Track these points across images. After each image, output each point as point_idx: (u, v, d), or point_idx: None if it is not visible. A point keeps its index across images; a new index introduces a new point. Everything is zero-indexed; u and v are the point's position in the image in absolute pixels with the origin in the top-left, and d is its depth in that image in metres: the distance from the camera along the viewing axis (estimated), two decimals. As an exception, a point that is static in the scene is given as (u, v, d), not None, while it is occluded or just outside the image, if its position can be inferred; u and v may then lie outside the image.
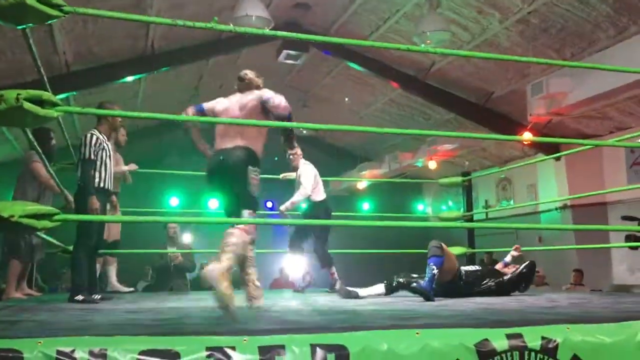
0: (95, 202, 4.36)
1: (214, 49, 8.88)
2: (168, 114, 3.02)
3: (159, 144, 12.87)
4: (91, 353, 1.84)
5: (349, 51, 9.41)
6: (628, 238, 5.42)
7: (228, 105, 3.90)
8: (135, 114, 3.46)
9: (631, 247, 5.67)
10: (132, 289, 6.16)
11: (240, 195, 3.61)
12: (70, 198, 5.08)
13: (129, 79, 8.51)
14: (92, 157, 4.46)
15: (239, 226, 3.34)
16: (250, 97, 3.84)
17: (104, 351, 1.85)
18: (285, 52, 9.00)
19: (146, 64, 8.43)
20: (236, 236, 3.26)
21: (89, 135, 4.54)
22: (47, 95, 2.42)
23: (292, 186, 6.10)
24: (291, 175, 6.21)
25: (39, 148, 4.01)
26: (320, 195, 5.92)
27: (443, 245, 4.51)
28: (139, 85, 9.46)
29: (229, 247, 3.18)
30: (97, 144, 4.52)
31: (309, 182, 5.78)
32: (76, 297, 4.19)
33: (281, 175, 6.44)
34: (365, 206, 13.98)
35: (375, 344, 2.07)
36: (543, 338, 2.22)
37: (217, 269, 2.94)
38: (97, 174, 4.52)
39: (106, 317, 3.01)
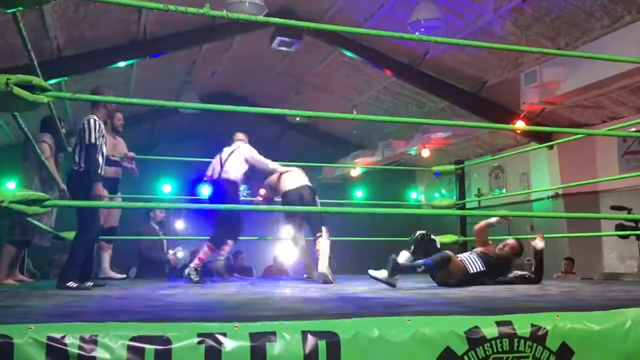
0: (101, 188, 4.34)
1: (206, 35, 8.81)
2: (161, 100, 3.00)
3: (151, 130, 12.82)
4: (82, 339, 1.84)
5: (343, 38, 9.36)
6: (618, 227, 5.45)
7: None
8: (128, 100, 3.43)
9: (621, 236, 5.70)
10: (124, 275, 6.15)
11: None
12: (63, 186, 5.07)
13: (121, 64, 8.44)
14: (97, 142, 4.45)
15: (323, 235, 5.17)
16: None
17: (95, 337, 1.85)
18: (278, 39, 8.93)
19: (138, 50, 8.36)
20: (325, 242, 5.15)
21: (91, 120, 4.50)
22: (37, 80, 2.40)
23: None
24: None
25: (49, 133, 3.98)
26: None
27: (451, 256, 4.46)
28: (131, 70, 9.39)
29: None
30: (99, 130, 4.51)
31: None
32: (68, 284, 4.17)
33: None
34: (359, 194, 14.00)
35: (367, 331, 2.08)
36: (532, 325, 2.24)
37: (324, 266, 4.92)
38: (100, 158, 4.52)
39: (97, 303, 3.01)
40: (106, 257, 5.96)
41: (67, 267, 4.38)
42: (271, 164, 5.75)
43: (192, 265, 5.24)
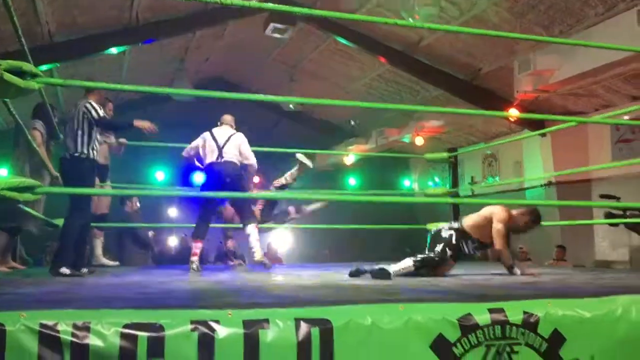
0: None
1: (199, 21, 8.74)
2: (153, 86, 2.98)
3: (144, 118, 12.74)
4: (75, 326, 1.84)
5: (337, 25, 9.32)
6: (607, 215, 5.48)
7: None
8: (120, 86, 3.40)
9: (611, 224, 5.73)
10: (117, 262, 6.15)
11: None
12: (56, 173, 5.04)
13: (114, 51, 8.36)
14: (105, 115, 4.59)
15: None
16: None
17: (88, 324, 1.85)
18: (272, 25, 8.86)
19: (131, 36, 8.29)
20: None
21: (90, 102, 4.56)
22: (27, 66, 2.37)
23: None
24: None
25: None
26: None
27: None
28: (123, 57, 9.31)
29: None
30: (100, 109, 4.58)
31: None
32: (61, 271, 4.17)
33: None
34: (352, 182, 14.02)
35: (359, 318, 2.09)
36: (525, 313, 2.26)
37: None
38: (94, 145, 4.56)
39: (90, 290, 3.00)
40: (98, 244, 5.96)
41: (59, 254, 4.38)
42: (255, 163, 5.49)
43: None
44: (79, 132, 4.51)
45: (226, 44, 10.43)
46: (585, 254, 9.15)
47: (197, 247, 5.17)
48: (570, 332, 2.27)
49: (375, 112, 12.26)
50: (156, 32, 8.46)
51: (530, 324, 2.24)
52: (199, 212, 5.37)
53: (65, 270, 4.17)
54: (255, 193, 5.57)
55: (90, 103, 4.57)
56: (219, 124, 5.66)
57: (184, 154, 5.60)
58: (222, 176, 5.18)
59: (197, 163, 5.57)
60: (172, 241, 11.97)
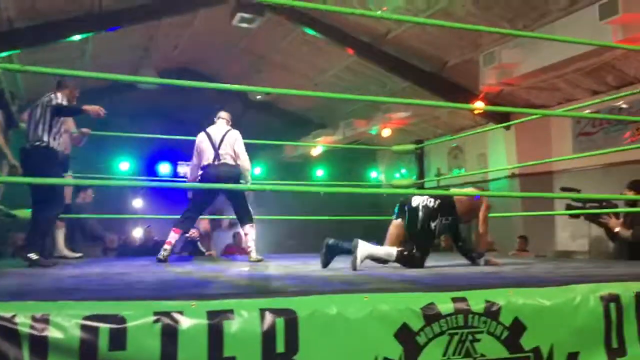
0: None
1: (165, 9, 8.60)
2: (118, 75, 2.92)
3: (108, 106, 12.51)
4: (33, 318, 1.80)
5: (305, 16, 9.28)
6: (567, 207, 5.59)
7: None
8: (83, 72, 3.30)
9: (571, 216, 5.86)
10: (80, 254, 6.02)
11: None
12: (14, 162, 4.91)
13: (76, 37, 8.18)
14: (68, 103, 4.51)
15: None
16: None
17: (47, 316, 1.81)
18: (239, 15, 8.78)
19: (94, 23, 8.12)
20: None
21: (54, 94, 4.53)
22: (-16, 51, 2.30)
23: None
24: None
25: None
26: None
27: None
28: (86, 44, 9.12)
29: None
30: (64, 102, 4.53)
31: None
32: (29, 255, 4.13)
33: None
34: (319, 173, 14.03)
35: (325, 308, 2.09)
36: (486, 301, 2.29)
37: None
38: (56, 135, 4.50)
39: (50, 282, 2.94)
40: (60, 235, 5.83)
41: (27, 245, 4.33)
42: (247, 164, 5.26)
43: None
44: (41, 121, 4.45)
45: (193, 33, 10.29)
46: (546, 245, 9.36)
47: (174, 237, 5.05)
48: (530, 321, 2.32)
49: (343, 103, 12.27)
50: (120, 20, 8.30)
51: (492, 313, 2.27)
52: (189, 205, 5.26)
53: (33, 255, 4.14)
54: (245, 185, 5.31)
55: (54, 93, 4.53)
56: (215, 120, 5.49)
57: (191, 178, 5.41)
58: (218, 181, 5.00)
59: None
60: (137, 232, 11.82)
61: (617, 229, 5.24)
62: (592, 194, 6.59)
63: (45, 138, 4.44)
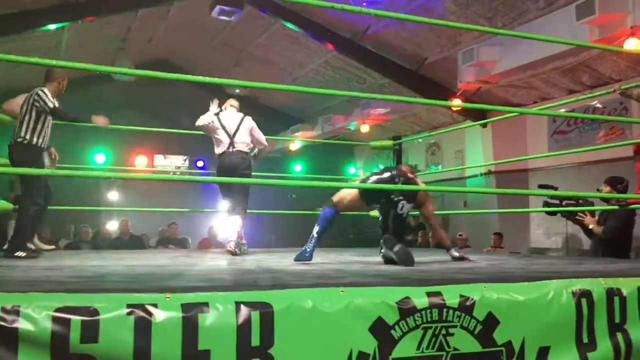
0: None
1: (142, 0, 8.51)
2: (93, 65, 2.87)
3: (85, 98, 12.34)
4: (3, 310, 1.76)
5: (285, 10, 9.24)
6: (545, 204, 5.67)
7: None
8: (58, 62, 3.24)
9: (548, 213, 5.95)
10: (53, 247, 5.92)
11: None
12: None
13: (52, 27, 8.05)
14: (56, 104, 4.51)
15: None
16: None
17: (17, 308, 1.78)
18: (218, 7, 8.69)
19: (70, 12, 7.98)
20: None
21: (42, 91, 4.50)
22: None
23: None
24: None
25: None
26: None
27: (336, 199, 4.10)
28: (62, 34, 8.98)
29: None
30: (51, 99, 4.51)
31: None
32: (17, 254, 4.16)
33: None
34: (297, 167, 14.01)
35: (300, 302, 2.09)
36: (461, 296, 2.31)
37: None
38: (42, 133, 4.51)
39: (23, 273, 2.89)
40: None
41: (15, 237, 4.35)
42: (267, 144, 5.56)
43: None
44: (26, 118, 4.45)
45: (170, 24, 10.19)
46: (521, 242, 9.48)
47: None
48: (503, 315, 2.34)
49: (322, 98, 12.27)
50: (96, 9, 8.18)
51: (466, 307, 2.29)
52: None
53: (20, 253, 4.18)
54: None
55: (42, 90, 4.50)
56: (223, 108, 5.46)
57: (199, 123, 5.34)
58: (232, 169, 5.08)
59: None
60: (112, 226, 11.69)
61: (591, 226, 5.34)
62: (568, 191, 6.68)
63: (28, 136, 4.43)
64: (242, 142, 5.24)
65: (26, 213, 4.37)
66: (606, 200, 5.21)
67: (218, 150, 5.26)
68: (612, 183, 5.17)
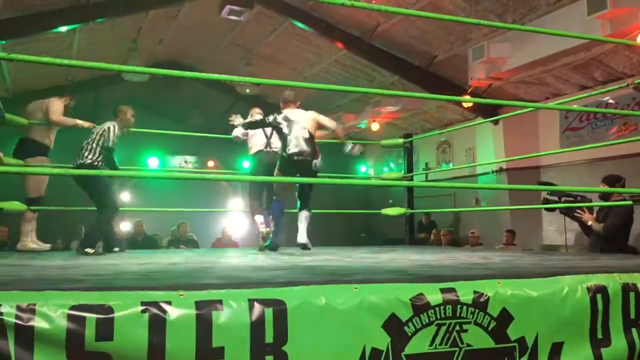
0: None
1: (153, 0, 8.54)
2: (105, 64, 2.89)
3: (96, 99, 12.42)
4: (19, 308, 1.77)
5: (294, 9, 9.25)
6: (543, 201, 5.61)
7: None
8: (71, 62, 3.25)
9: (547, 209, 5.90)
10: (48, 246, 5.82)
11: None
12: None
13: (63, 29, 8.11)
14: (113, 145, 5.00)
15: None
16: None
17: (33, 306, 1.78)
18: (228, 7, 8.72)
19: (81, 14, 8.05)
20: None
21: (113, 126, 5.05)
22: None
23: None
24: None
25: None
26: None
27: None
28: (73, 36, 9.04)
29: None
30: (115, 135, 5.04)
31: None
32: (86, 250, 4.65)
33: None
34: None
35: (313, 299, 2.08)
36: (475, 292, 2.29)
37: None
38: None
39: (36, 272, 2.91)
40: (29, 227, 5.70)
41: (87, 237, 5.12)
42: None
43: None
44: (90, 146, 4.96)
45: (181, 25, 10.23)
46: (533, 239, 9.43)
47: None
48: (517, 311, 2.33)
49: (332, 97, 12.26)
50: (107, 11, 8.23)
51: (480, 304, 2.28)
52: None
53: (89, 250, 4.66)
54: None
55: (114, 125, 5.05)
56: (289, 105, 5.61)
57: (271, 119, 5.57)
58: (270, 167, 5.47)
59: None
60: (125, 226, 11.73)
61: (589, 223, 5.29)
62: (568, 186, 6.64)
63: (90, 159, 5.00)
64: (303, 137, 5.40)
65: (99, 223, 4.94)
66: (605, 198, 5.17)
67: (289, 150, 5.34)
68: (610, 181, 5.13)
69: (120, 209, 6.92)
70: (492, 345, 2.28)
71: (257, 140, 5.85)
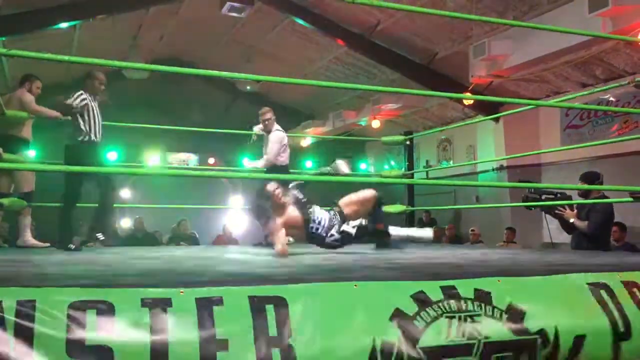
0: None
1: (153, -3, 8.54)
2: (105, 60, 2.88)
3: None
4: (19, 304, 1.77)
5: (295, 6, 9.24)
6: (524, 199, 5.56)
7: None
8: (72, 58, 3.24)
9: (526, 207, 5.86)
10: (47, 244, 5.78)
11: None
12: None
13: (63, 25, 8.10)
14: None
15: None
16: None
17: (33, 302, 1.78)
18: (229, 4, 8.71)
19: (82, 10, 8.04)
20: None
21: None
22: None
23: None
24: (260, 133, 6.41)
25: None
26: (283, 160, 6.24)
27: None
28: (73, 32, 9.03)
29: None
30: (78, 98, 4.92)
31: (275, 150, 6.08)
32: (69, 246, 4.62)
33: (255, 128, 6.44)
34: (308, 164, 14.00)
35: (314, 296, 2.08)
36: (476, 290, 2.28)
37: None
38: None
39: (37, 268, 2.91)
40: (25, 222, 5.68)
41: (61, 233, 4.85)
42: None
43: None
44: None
45: (181, 21, 10.21)
46: (534, 236, 9.41)
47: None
48: (526, 305, 2.28)
49: (333, 94, 12.25)
50: (108, 7, 8.22)
51: (483, 299, 2.26)
52: None
53: (71, 245, 4.64)
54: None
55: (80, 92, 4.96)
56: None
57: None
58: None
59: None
60: (125, 223, 11.75)
61: (572, 220, 5.25)
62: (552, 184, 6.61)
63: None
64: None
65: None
66: (584, 195, 5.15)
67: (286, 160, 6.27)
68: (588, 179, 5.11)
69: (120, 205, 6.93)
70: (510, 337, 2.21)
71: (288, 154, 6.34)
